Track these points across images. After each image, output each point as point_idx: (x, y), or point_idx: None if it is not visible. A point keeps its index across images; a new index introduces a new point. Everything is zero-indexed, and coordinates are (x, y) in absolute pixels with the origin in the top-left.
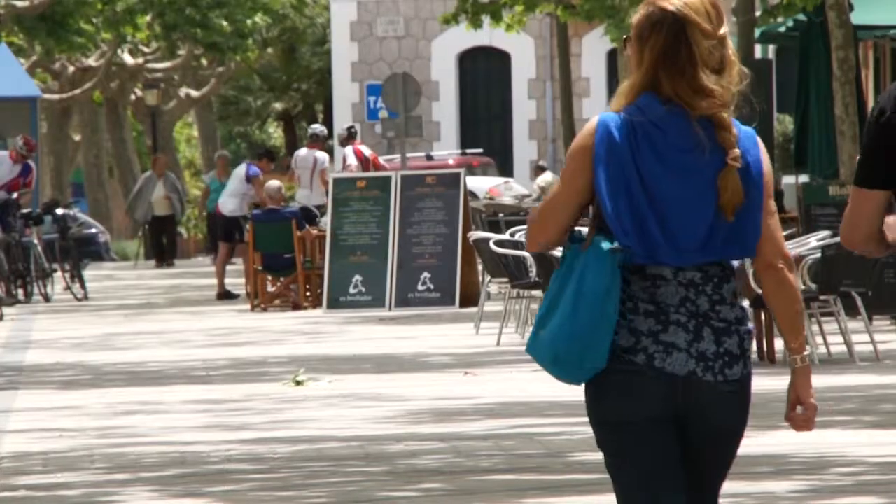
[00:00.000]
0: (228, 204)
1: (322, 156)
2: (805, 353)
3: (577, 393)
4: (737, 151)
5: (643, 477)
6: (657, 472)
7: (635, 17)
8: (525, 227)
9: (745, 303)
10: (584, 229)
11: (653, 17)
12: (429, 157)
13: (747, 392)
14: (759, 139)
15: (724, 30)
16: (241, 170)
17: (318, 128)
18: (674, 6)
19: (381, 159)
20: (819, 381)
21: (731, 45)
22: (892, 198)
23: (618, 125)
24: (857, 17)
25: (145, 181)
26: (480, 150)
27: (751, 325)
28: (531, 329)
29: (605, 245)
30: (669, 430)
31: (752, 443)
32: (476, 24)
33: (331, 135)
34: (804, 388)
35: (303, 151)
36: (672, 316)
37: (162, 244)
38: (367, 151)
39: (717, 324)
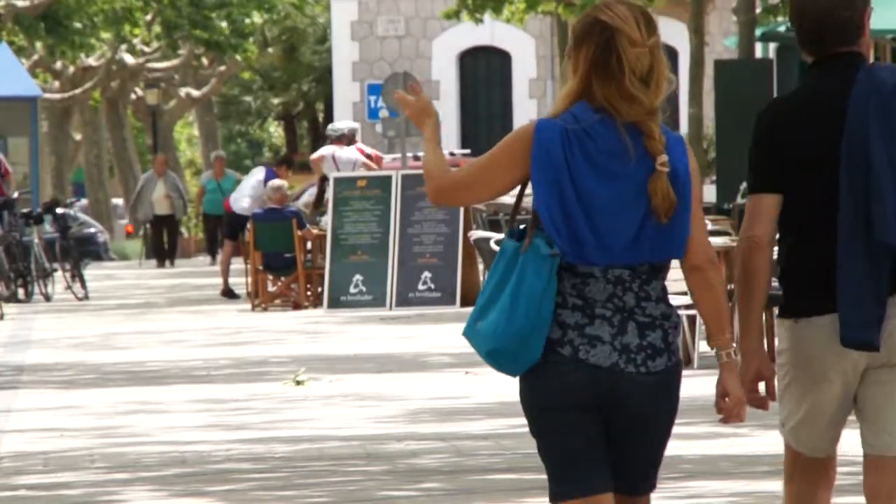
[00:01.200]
0: (242, 202)
1: (361, 156)
2: (731, 348)
3: None
4: (664, 157)
5: (573, 459)
6: (586, 454)
7: (572, 26)
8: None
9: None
10: (524, 227)
11: (586, 26)
12: (416, 158)
13: (673, 382)
14: (687, 144)
15: (654, 39)
16: (260, 174)
17: (341, 126)
18: (605, 15)
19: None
20: None
21: (663, 55)
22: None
23: (553, 132)
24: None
25: (146, 181)
26: (468, 151)
27: (677, 320)
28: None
29: (545, 250)
30: (595, 417)
31: (752, 442)
32: (476, 18)
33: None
34: (731, 381)
35: (345, 152)
36: (598, 311)
37: (163, 244)
38: (367, 151)
39: (641, 319)
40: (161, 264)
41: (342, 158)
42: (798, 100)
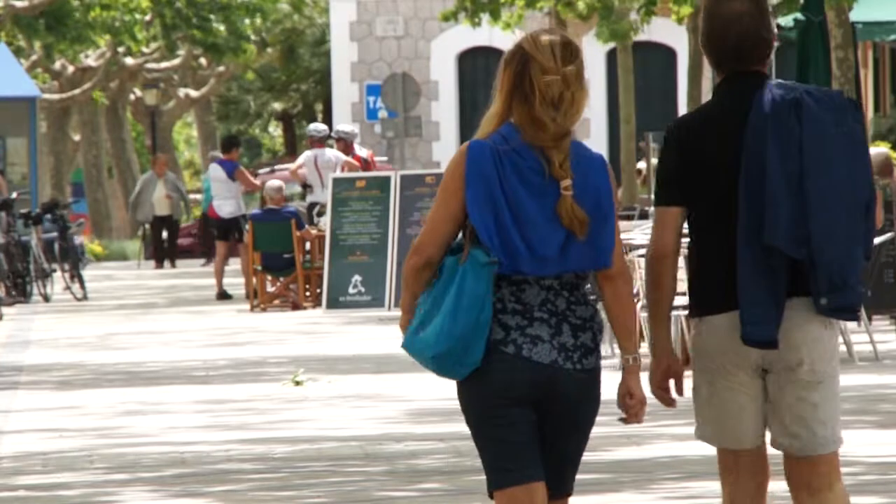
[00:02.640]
0: (225, 207)
1: (340, 155)
2: (636, 353)
3: None
4: (567, 182)
5: (512, 451)
6: (524, 447)
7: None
8: None
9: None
10: (461, 241)
11: (511, 52)
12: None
13: (598, 380)
14: (606, 162)
15: (569, 68)
16: (218, 173)
17: (325, 128)
18: (526, 43)
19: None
20: None
21: (579, 84)
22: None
23: (485, 152)
24: (856, 16)
25: (145, 182)
26: (385, 158)
27: (602, 321)
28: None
29: (482, 259)
30: (532, 412)
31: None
32: (475, 21)
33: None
34: (635, 382)
35: (329, 153)
36: (535, 314)
37: (162, 244)
38: (363, 153)
39: (574, 321)
40: (160, 265)
41: (322, 160)
42: (704, 116)
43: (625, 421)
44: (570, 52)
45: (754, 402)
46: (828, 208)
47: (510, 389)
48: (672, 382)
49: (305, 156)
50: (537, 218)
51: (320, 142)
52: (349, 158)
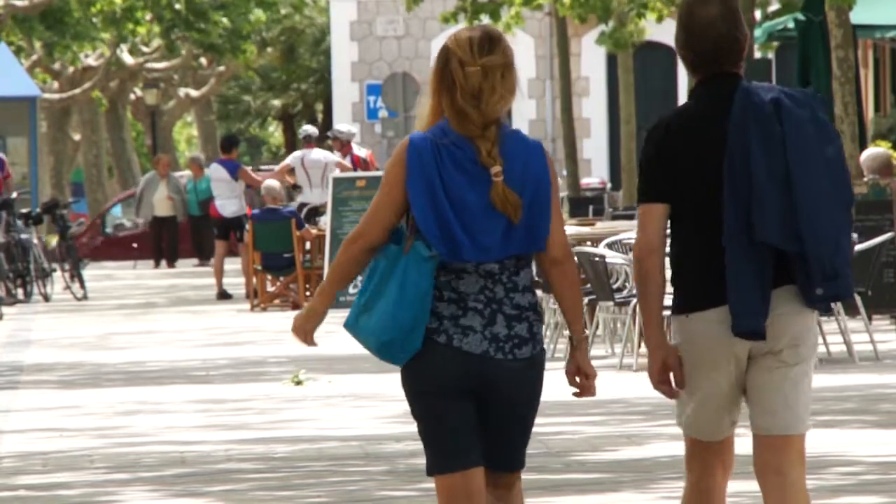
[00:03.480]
0: (228, 206)
1: (329, 155)
2: (584, 335)
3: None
4: (497, 168)
5: (449, 439)
6: (460, 434)
7: None
8: None
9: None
10: (405, 229)
11: (440, 50)
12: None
13: (538, 368)
14: (545, 150)
15: (486, 59)
16: (220, 173)
17: (314, 129)
18: (450, 40)
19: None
20: (818, 380)
21: (499, 75)
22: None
23: (424, 145)
24: (856, 16)
25: (147, 182)
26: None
27: (541, 311)
28: (351, 310)
29: (424, 252)
30: (470, 400)
31: (750, 443)
32: (474, 22)
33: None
34: (584, 359)
35: (316, 153)
36: (470, 303)
37: (161, 245)
38: (362, 153)
39: (509, 311)
40: (158, 265)
41: (309, 160)
42: (684, 117)
43: (578, 395)
44: (488, 45)
45: (735, 395)
46: (814, 202)
47: (442, 379)
48: (671, 375)
49: (293, 157)
50: (477, 207)
51: (308, 142)
52: (339, 158)
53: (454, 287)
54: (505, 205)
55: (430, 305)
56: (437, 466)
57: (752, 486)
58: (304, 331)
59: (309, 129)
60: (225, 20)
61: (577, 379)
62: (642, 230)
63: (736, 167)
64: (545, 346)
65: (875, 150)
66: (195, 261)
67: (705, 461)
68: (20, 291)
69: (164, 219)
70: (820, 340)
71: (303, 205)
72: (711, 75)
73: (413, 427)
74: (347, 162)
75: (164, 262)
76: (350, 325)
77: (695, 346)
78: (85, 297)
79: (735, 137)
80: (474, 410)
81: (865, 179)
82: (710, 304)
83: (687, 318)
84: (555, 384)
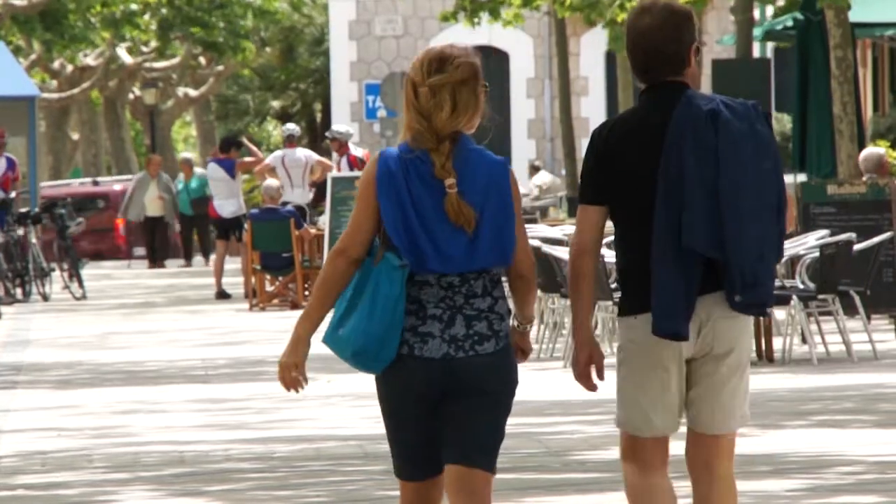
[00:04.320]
0: (226, 207)
1: (311, 154)
2: (529, 324)
3: (576, 393)
4: (451, 181)
5: (413, 450)
6: (424, 446)
7: None
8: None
9: (504, 294)
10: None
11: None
12: (95, 183)
13: (503, 361)
14: (509, 166)
15: (436, 79)
16: (218, 172)
17: (296, 128)
18: (410, 63)
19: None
20: (818, 380)
21: (447, 93)
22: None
23: (393, 160)
24: (855, 14)
25: (139, 182)
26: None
27: (504, 312)
28: (330, 325)
29: (394, 262)
30: (434, 405)
31: (750, 442)
32: (474, 21)
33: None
34: (525, 338)
35: (298, 152)
36: (430, 311)
37: (153, 244)
38: (359, 153)
39: (469, 312)
40: (152, 265)
41: (290, 159)
42: (626, 122)
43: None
44: (437, 64)
45: (678, 394)
46: (740, 212)
47: (407, 390)
48: (593, 369)
49: (274, 156)
50: (440, 218)
51: (290, 141)
52: (322, 158)
53: (415, 298)
54: (458, 216)
55: (401, 315)
56: (400, 473)
57: (753, 485)
58: (293, 366)
59: (292, 128)
60: (221, 24)
61: (521, 355)
62: (578, 231)
63: (669, 174)
64: (511, 344)
65: (869, 150)
66: (182, 261)
67: (642, 459)
68: (19, 291)
69: (156, 218)
70: (818, 340)
71: (283, 204)
72: (657, 83)
73: None
74: (344, 162)
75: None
76: (327, 339)
77: (640, 346)
78: (84, 297)
79: (671, 145)
80: (439, 416)
81: (864, 179)
82: (649, 307)
83: (635, 318)
84: (554, 384)
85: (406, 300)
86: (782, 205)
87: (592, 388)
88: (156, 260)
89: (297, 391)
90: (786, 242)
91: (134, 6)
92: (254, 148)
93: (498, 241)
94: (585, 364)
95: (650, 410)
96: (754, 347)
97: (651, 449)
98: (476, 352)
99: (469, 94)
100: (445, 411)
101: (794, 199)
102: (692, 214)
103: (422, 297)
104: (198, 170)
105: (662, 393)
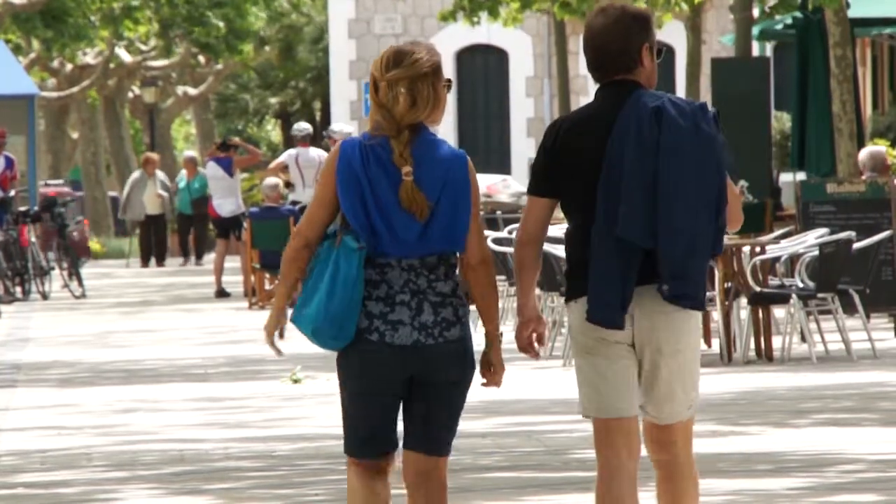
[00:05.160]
0: (225, 206)
1: (324, 154)
2: (498, 333)
3: (576, 391)
4: (407, 168)
5: (370, 432)
6: (380, 430)
7: None
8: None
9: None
10: (335, 230)
11: None
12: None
13: (467, 346)
14: (468, 159)
15: (393, 73)
16: (216, 171)
17: (309, 127)
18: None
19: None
20: (818, 379)
21: (403, 88)
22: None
23: (353, 147)
24: (854, 11)
25: (135, 181)
26: (61, 181)
27: (462, 294)
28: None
29: (352, 244)
30: (400, 390)
31: (750, 440)
32: (473, 21)
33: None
34: (497, 355)
35: (311, 152)
36: (398, 297)
37: (151, 243)
38: None
39: (433, 298)
40: (146, 264)
41: (304, 159)
42: (579, 117)
43: (486, 385)
44: (394, 60)
45: (630, 375)
46: (674, 206)
47: (379, 376)
48: (535, 338)
49: (288, 154)
50: (396, 203)
51: (304, 141)
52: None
53: (380, 283)
54: (411, 203)
55: (360, 296)
56: (355, 451)
57: (753, 484)
58: (270, 332)
59: (306, 127)
60: (221, 24)
61: (489, 372)
62: (523, 221)
63: (612, 166)
64: (471, 331)
65: (872, 149)
66: (180, 260)
67: (612, 443)
68: (18, 290)
69: (154, 217)
70: (818, 339)
71: (294, 203)
72: (608, 81)
73: None
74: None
75: (153, 261)
76: (294, 318)
77: (582, 332)
78: (83, 296)
79: (615, 138)
80: (399, 403)
81: (864, 177)
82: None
83: (576, 303)
84: (553, 383)
85: (371, 285)
86: (722, 203)
87: (536, 356)
88: (154, 258)
89: (275, 351)
90: (785, 241)
91: (134, 2)
92: (250, 146)
93: (450, 230)
94: (528, 336)
95: (605, 393)
96: (753, 346)
97: (620, 435)
98: (445, 338)
99: (427, 89)
100: (411, 398)
101: (739, 197)
102: (629, 206)
103: (386, 280)
104: (201, 169)
105: (611, 375)
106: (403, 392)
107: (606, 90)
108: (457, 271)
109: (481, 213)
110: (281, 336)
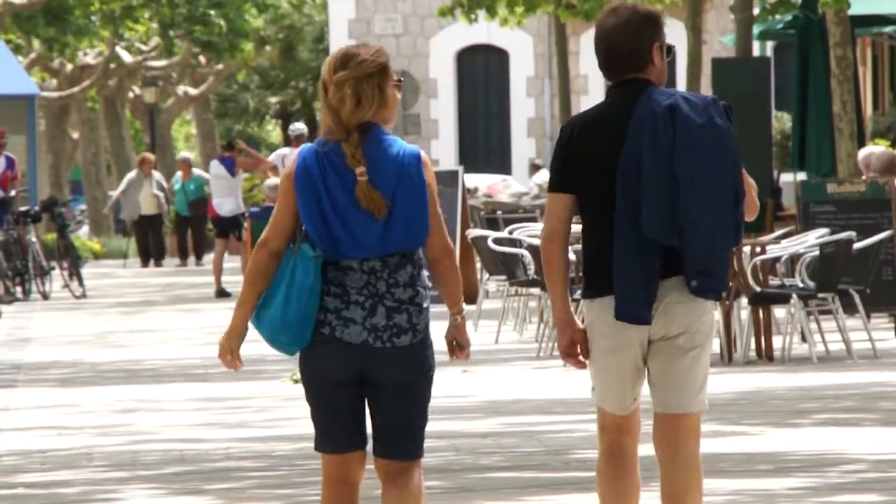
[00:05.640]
0: (225, 205)
1: None
2: (461, 314)
3: (577, 391)
4: (361, 169)
5: (331, 424)
6: (341, 421)
7: None
8: (521, 224)
9: (426, 285)
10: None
11: None
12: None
13: (417, 355)
14: (424, 157)
15: (340, 75)
16: (219, 170)
17: (304, 127)
18: None
19: None
20: (818, 379)
21: (350, 89)
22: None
23: (310, 154)
24: (854, 9)
25: (130, 181)
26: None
27: (425, 304)
28: (258, 311)
29: (309, 252)
30: (354, 388)
31: (751, 440)
32: (470, 18)
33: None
34: (461, 332)
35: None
36: (353, 297)
37: (148, 243)
38: None
39: (390, 303)
40: (146, 264)
41: (290, 159)
42: (592, 116)
43: (451, 359)
44: (341, 62)
45: (637, 375)
46: (695, 202)
47: (327, 368)
48: (578, 348)
49: (276, 154)
50: (353, 206)
51: (299, 141)
52: None
53: (340, 282)
54: (368, 202)
55: (315, 304)
56: (321, 446)
57: (754, 484)
58: (229, 350)
59: (300, 127)
60: (222, 22)
61: (452, 346)
62: (546, 219)
63: (629, 165)
64: (430, 338)
65: (880, 149)
66: (177, 261)
67: (614, 432)
68: (19, 290)
69: (150, 217)
70: (818, 339)
71: None
72: (620, 80)
73: None
74: None
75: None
76: (253, 321)
77: (599, 329)
78: (83, 296)
79: (632, 138)
80: (359, 398)
81: (864, 178)
82: (611, 291)
83: (591, 302)
84: (554, 383)
85: (332, 283)
86: (740, 194)
87: (581, 365)
88: (151, 259)
89: (235, 370)
90: (786, 241)
91: (135, 1)
92: (252, 151)
93: (409, 226)
94: (568, 345)
95: (614, 389)
96: (753, 346)
97: (620, 424)
98: (393, 344)
99: (372, 89)
100: (368, 400)
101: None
102: (650, 204)
103: (346, 282)
104: (196, 171)
105: (623, 373)
106: (356, 389)
107: (619, 89)
108: (423, 274)
109: (482, 212)
110: (239, 361)
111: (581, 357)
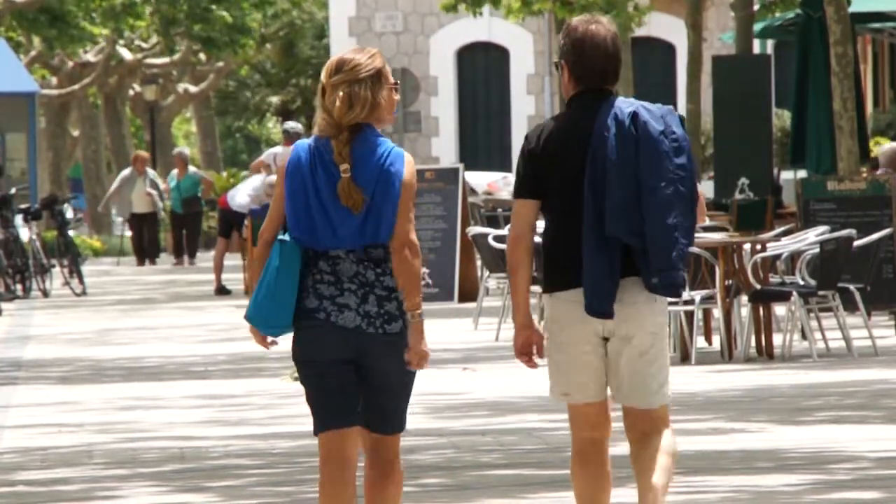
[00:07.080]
0: (238, 199)
1: None
2: (418, 311)
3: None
4: (345, 166)
5: (327, 402)
6: (337, 398)
7: None
8: None
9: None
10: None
11: None
12: None
13: (406, 342)
14: (406, 155)
15: (335, 78)
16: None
17: (296, 125)
18: None
19: None
20: (818, 376)
21: (354, 89)
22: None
23: (304, 149)
24: (854, 6)
25: (124, 179)
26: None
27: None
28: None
29: (280, 236)
30: (347, 369)
31: (751, 438)
32: (476, 11)
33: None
34: (415, 337)
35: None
36: (346, 285)
37: (143, 242)
38: None
39: (380, 292)
40: (142, 262)
41: (283, 157)
42: (559, 123)
43: (408, 366)
44: (335, 68)
45: (598, 363)
46: (658, 202)
47: (321, 350)
48: (534, 349)
49: (268, 153)
50: (336, 200)
51: (288, 139)
52: None
53: (332, 271)
54: (348, 198)
55: (286, 288)
56: (318, 426)
57: (754, 481)
58: (254, 335)
59: (295, 125)
60: (225, 14)
61: (408, 354)
62: (512, 223)
63: (596, 169)
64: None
65: (889, 146)
66: (173, 259)
67: (583, 424)
68: (19, 287)
69: (144, 215)
70: (818, 336)
71: None
72: (586, 89)
73: (411, 423)
74: None
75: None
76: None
77: (558, 322)
78: (84, 293)
79: (597, 143)
80: (353, 378)
81: (864, 175)
82: (570, 286)
83: (551, 297)
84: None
85: (326, 272)
86: (696, 197)
87: (533, 365)
88: (145, 257)
89: (267, 348)
90: (786, 239)
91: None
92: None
93: (380, 221)
94: (523, 344)
95: (574, 378)
96: (754, 343)
97: (589, 415)
98: (385, 330)
99: (364, 91)
100: (359, 380)
101: (702, 194)
102: (613, 204)
103: (338, 271)
104: (191, 168)
105: (583, 363)
106: (349, 371)
107: (583, 98)
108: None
109: (481, 209)
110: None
111: (535, 357)
